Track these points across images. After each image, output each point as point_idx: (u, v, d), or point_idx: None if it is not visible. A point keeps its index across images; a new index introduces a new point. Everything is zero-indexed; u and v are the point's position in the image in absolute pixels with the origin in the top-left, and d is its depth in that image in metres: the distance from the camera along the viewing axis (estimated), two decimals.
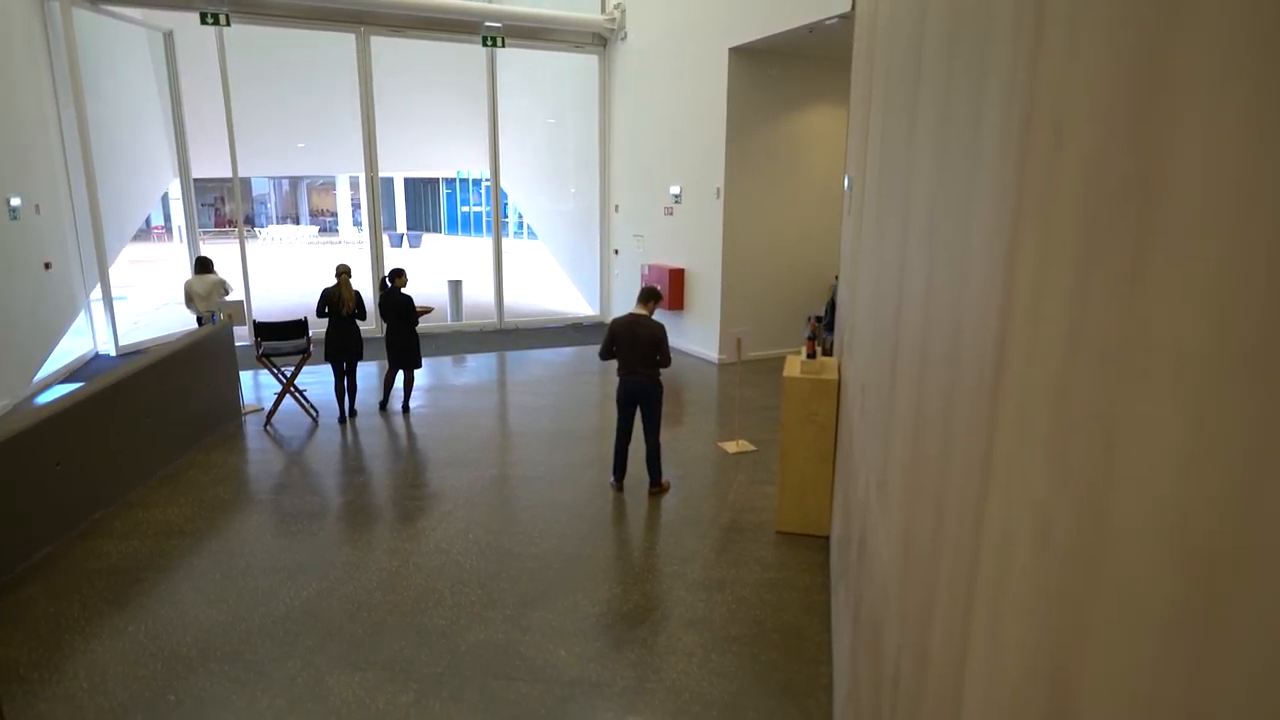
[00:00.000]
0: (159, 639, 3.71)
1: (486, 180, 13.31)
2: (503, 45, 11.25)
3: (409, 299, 7.23)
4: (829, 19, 7.32)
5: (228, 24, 9.86)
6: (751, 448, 6.48)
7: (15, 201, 7.82)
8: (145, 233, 28.29)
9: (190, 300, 7.99)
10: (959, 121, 1.19)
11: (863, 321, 3.23)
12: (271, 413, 7.24)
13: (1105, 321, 0.57)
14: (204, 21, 9.77)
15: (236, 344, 7.48)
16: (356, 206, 30.75)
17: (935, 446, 1.24)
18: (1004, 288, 0.86)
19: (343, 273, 7.12)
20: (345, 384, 7.21)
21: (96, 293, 9.77)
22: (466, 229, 32.11)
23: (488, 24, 11.05)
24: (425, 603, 4.06)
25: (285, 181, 36.21)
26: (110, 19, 9.79)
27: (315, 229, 33.28)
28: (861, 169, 3.91)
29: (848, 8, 6.88)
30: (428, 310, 7.44)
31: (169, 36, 10.57)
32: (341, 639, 3.73)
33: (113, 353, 9.74)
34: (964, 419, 1.03)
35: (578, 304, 13.50)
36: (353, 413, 7.32)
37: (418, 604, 4.05)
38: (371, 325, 9.12)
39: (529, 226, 22.29)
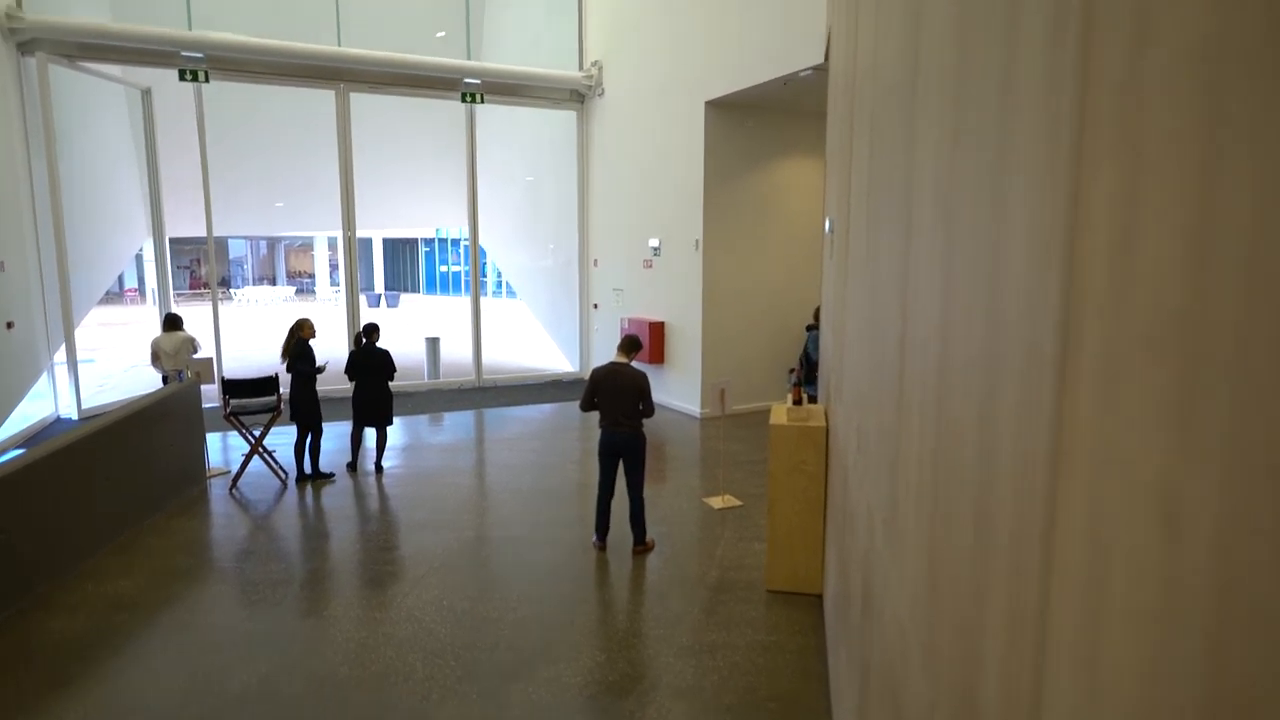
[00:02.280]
0: None
1: (465, 240, 13.29)
2: (481, 102, 11.33)
3: (385, 353, 7.03)
4: (803, 71, 7.42)
5: (206, 80, 9.85)
6: (738, 503, 6.26)
7: None
8: (117, 295, 27.95)
9: (156, 358, 7.71)
10: (978, 133, 1.06)
11: (854, 358, 3.09)
12: (238, 475, 6.93)
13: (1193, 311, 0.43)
14: (183, 78, 9.75)
15: (204, 405, 7.21)
16: (334, 267, 30.66)
17: (970, 474, 1.07)
18: (1059, 289, 0.71)
19: (299, 328, 6.92)
20: (307, 443, 6.94)
21: (61, 354, 9.47)
22: (445, 289, 32.09)
23: (467, 81, 11.14)
24: (394, 677, 3.76)
25: (263, 243, 36.13)
26: (87, 75, 9.75)
27: (292, 290, 33.06)
28: (844, 209, 3.84)
29: (821, 59, 6.97)
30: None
31: (147, 94, 10.54)
32: None
33: (75, 416, 9.38)
34: (1011, 441, 0.88)
35: (557, 360, 13.35)
36: (314, 473, 6.99)
37: (386, 679, 3.75)
38: (341, 384, 8.87)
39: (508, 284, 22.29)
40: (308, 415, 6.85)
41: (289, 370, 6.88)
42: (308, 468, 6.98)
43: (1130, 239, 0.58)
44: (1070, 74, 0.70)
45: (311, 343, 6.93)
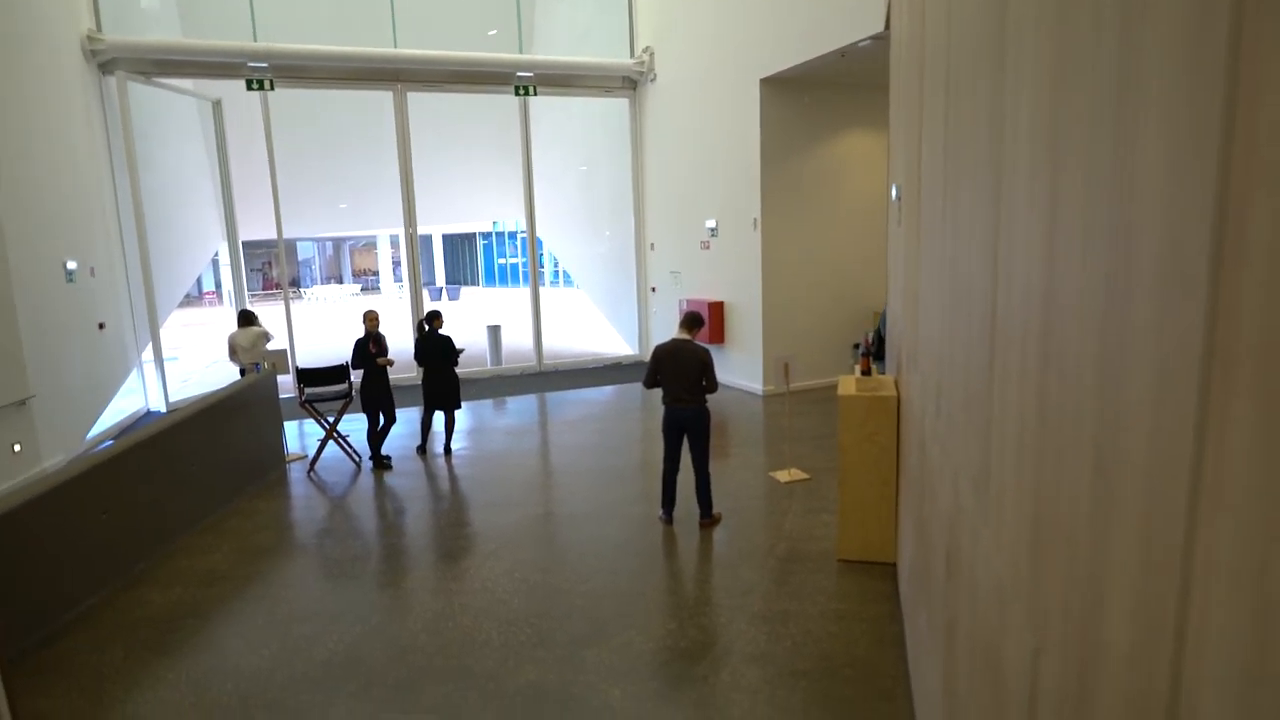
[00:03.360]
0: (200, 687, 3.55)
1: (522, 232, 13.43)
2: (535, 94, 11.43)
3: (448, 338, 7.18)
4: (862, 41, 7.25)
5: (272, 88, 10.19)
6: (804, 476, 6.19)
7: (71, 265, 8.04)
8: (196, 298, 29.27)
9: (234, 353, 8.06)
10: (1090, 62, 1.01)
11: (931, 321, 3.01)
12: (315, 459, 7.19)
13: None
14: (250, 87, 10.12)
15: (281, 395, 7.49)
16: (397, 264, 31.47)
17: (1087, 432, 1.02)
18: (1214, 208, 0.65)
19: (370, 319, 7.07)
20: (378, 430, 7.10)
21: (148, 353, 9.98)
22: (504, 281, 32.56)
23: (520, 74, 11.25)
24: (472, 644, 3.85)
25: (329, 244, 37.30)
26: (162, 90, 10.21)
27: (358, 287, 34.07)
28: (914, 174, 3.74)
29: (881, 27, 6.79)
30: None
31: (217, 105, 10.98)
32: (385, 684, 3.53)
33: (163, 409, 9.87)
34: (1141, 394, 0.82)
35: (617, 344, 13.41)
36: (384, 459, 7.15)
37: (464, 646, 3.84)
38: (412, 373, 9.09)
39: (565, 274, 22.48)
40: (378, 403, 7.03)
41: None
42: (387, 452, 7.18)
43: None
44: None
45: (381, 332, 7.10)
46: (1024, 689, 1.32)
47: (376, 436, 7.09)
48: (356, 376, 7.08)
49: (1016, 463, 1.49)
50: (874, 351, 7.32)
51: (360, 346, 6.91)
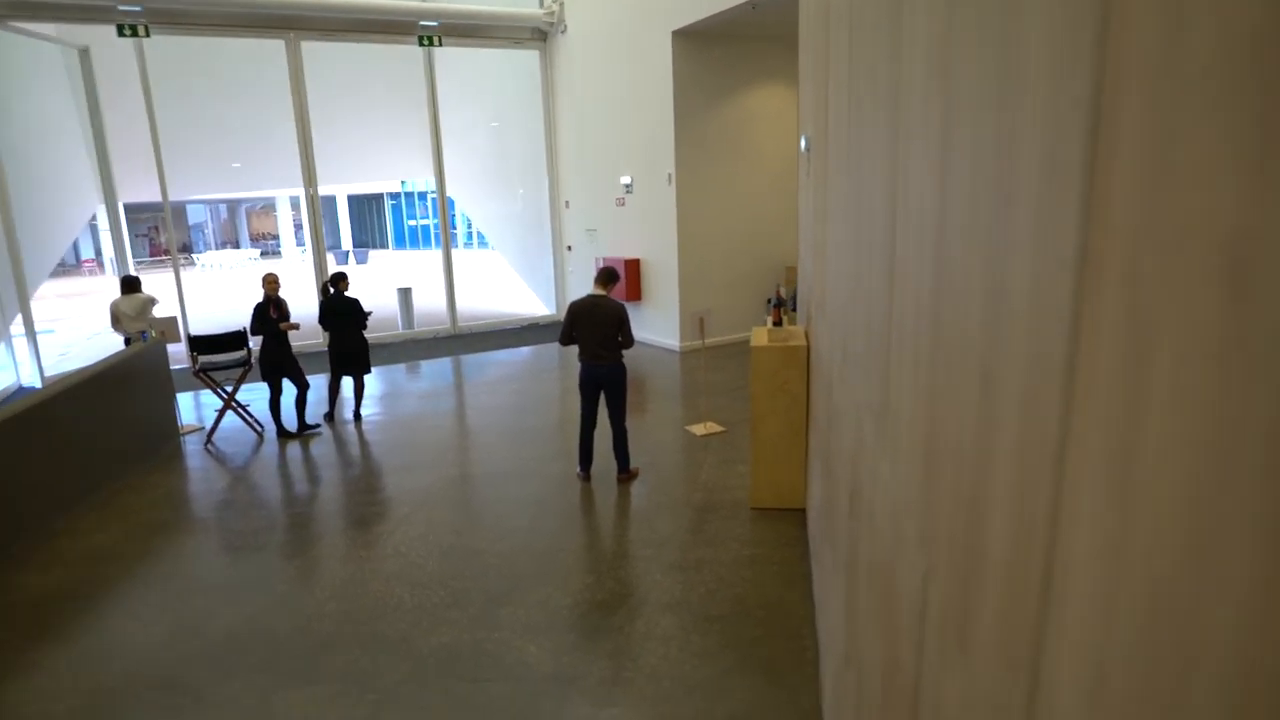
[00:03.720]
0: (82, 671, 3.33)
1: (432, 192, 12.99)
2: (440, 44, 10.94)
3: (355, 301, 6.88)
4: None
5: (147, 34, 9.38)
6: (720, 429, 6.27)
7: None
8: (75, 266, 27.18)
9: (117, 321, 7.50)
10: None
11: (837, 267, 3.04)
12: (212, 430, 6.81)
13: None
14: (121, 33, 9.29)
15: (173, 366, 7.03)
16: (299, 227, 29.93)
17: (975, 347, 1.01)
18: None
19: (269, 282, 6.65)
20: (279, 400, 6.75)
21: (18, 325, 9.19)
22: (415, 243, 31.55)
23: (423, 23, 10.73)
24: (383, 609, 3.74)
25: (223, 207, 35.17)
26: (20, 36, 9.25)
27: (257, 252, 32.32)
28: (821, 125, 3.74)
29: None
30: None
31: (85, 53, 10.05)
32: (289, 654, 3.40)
33: (38, 384, 9.15)
34: (1021, 304, 0.81)
35: (533, 305, 13.22)
36: (301, 428, 6.84)
37: (375, 611, 3.73)
38: (316, 339, 8.68)
39: (479, 235, 21.93)
40: (285, 371, 6.68)
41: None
42: (291, 424, 6.83)
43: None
44: None
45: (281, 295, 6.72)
46: (915, 609, 1.34)
47: (295, 403, 6.74)
48: (256, 343, 6.70)
49: (912, 392, 1.49)
50: (795, 306, 7.45)
51: (259, 311, 6.53)
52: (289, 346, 6.70)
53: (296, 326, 6.71)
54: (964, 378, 1.08)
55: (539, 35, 11.53)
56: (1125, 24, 0.56)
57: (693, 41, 8.91)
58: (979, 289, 1.00)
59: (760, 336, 4.75)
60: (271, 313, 6.53)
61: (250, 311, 6.56)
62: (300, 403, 6.78)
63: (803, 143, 5.42)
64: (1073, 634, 0.67)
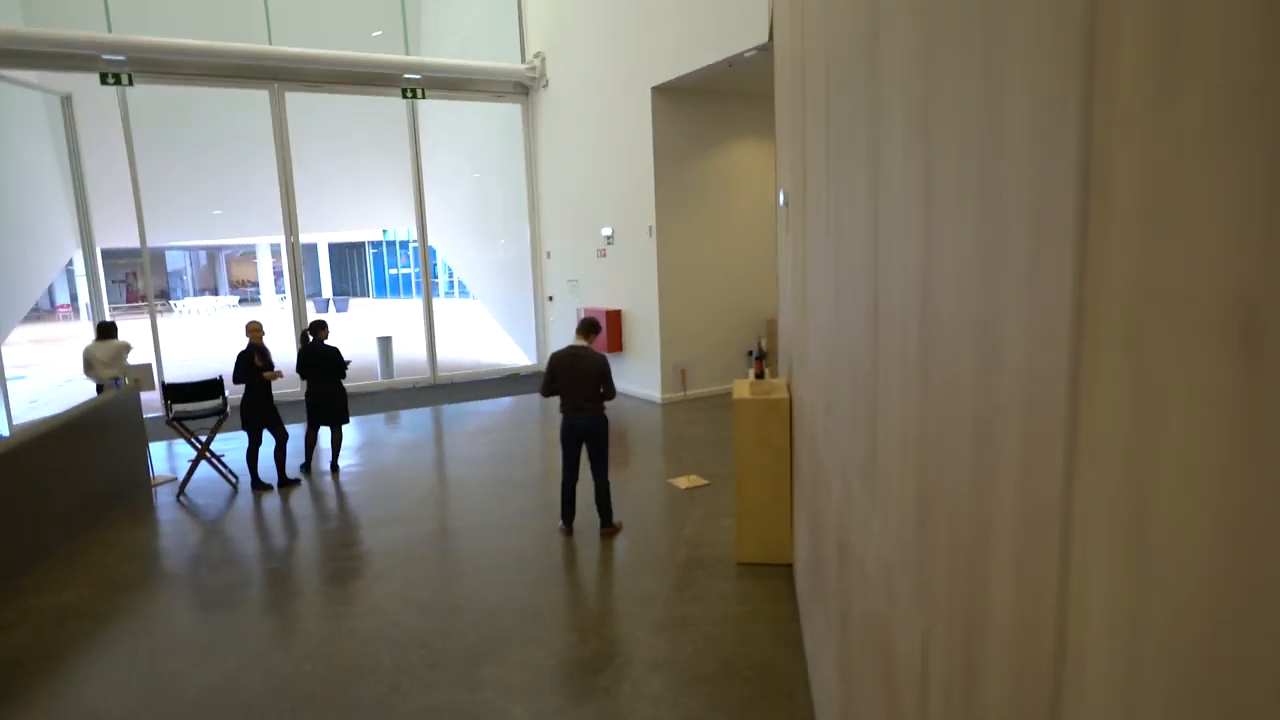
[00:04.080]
0: None
1: (414, 241, 13.07)
2: (423, 97, 11.12)
3: (335, 349, 6.83)
4: (748, 51, 7.44)
5: (130, 83, 9.45)
6: (704, 482, 6.25)
7: None
8: (49, 312, 26.77)
9: (90, 367, 7.37)
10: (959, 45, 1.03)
11: (819, 321, 3.08)
12: (185, 481, 6.66)
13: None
14: (104, 82, 9.34)
15: (146, 415, 6.90)
16: (279, 274, 29.84)
17: (965, 399, 1.03)
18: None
19: (254, 329, 6.62)
20: (258, 452, 6.64)
21: None
22: (396, 291, 31.51)
23: (407, 76, 10.92)
24: (361, 670, 3.64)
25: (202, 254, 35.00)
26: (2, 83, 9.27)
27: (235, 299, 32.08)
28: (799, 179, 3.84)
29: (764, 38, 6.99)
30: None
31: (67, 100, 10.08)
32: (265, 719, 3.28)
33: (5, 432, 8.92)
34: (1017, 358, 0.83)
35: (514, 355, 13.20)
36: (281, 480, 6.70)
37: (352, 672, 3.62)
38: (293, 388, 8.57)
39: (460, 284, 21.95)
40: (265, 421, 6.59)
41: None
42: (269, 476, 6.69)
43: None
44: None
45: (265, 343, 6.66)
46: (915, 669, 1.34)
47: (275, 455, 6.62)
48: (235, 392, 6.60)
49: (901, 445, 1.51)
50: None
51: (244, 359, 6.45)
52: (271, 396, 6.62)
53: (280, 375, 6.65)
54: (957, 432, 1.10)
55: (521, 89, 11.77)
56: (1114, 74, 0.58)
57: (672, 97, 9.14)
58: (969, 346, 1.02)
59: (742, 389, 4.78)
60: (256, 360, 6.47)
61: (234, 359, 6.49)
62: (280, 454, 6.66)
63: (781, 197, 5.55)
64: (1094, 696, 0.67)
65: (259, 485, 6.59)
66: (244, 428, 6.52)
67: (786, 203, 4.95)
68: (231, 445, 7.66)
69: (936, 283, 1.17)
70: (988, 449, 0.95)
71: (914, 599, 1.38)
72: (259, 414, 6.51)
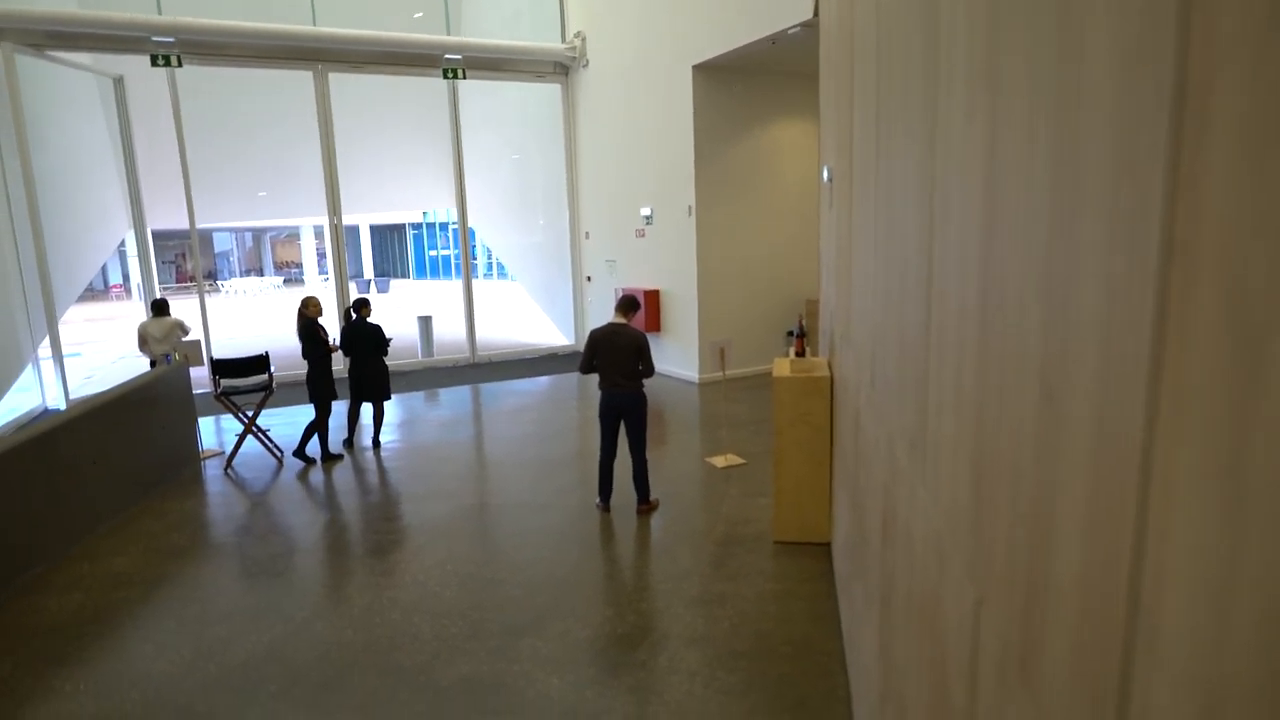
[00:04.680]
0: (100, 697, 3.30)
1: (454, 223, 13.13)
2: (464, 77, 11.14)
3: (377, 327, 6.92)
4: (791, 28, 7.29)
5: (179, 65, 9.63)
6: (741, 461, 6.20)
7: None
8: (103, 291, 27.66)
9: (144, 343, 7.59)
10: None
11: (864, 295, 3.01)
12: (232, 455, 6.83)
13: None
14: (155, 63, 9.53)
15: (195, 390, 7.08)
16: (322, 256, 30.38)
17: (1031, 360, 0.98)
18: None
19: (313, 306, 6.76)
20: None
21: (45, 348, 9.31)
22: (435, 273, 31.86)
23: (448, 56, 10.95)
24: (402, 638, 3.69)
25: (248, 235, 35.79)
26: (57, 65, 9.52)
27: (280, 279, 32.78)
28: (845, 153, 3.74)
29: (810, 14, 6.84)
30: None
31: (119, 82, 10.33)
32: (308, 683, 3.35)
33: (62, 407, 9.24)
34: (1092, 329, 0.78)
35: (553, 335, 13.25)
36: (324, 455, 6.84)
37: (394, 640, 3.68)
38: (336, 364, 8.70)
39: (499, 265, 22.11)
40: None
41: (303, 356, 6.77)
42: (313, 450, 6.83)
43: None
44: None
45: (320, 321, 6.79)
46: (966, 642, 1.29)
47: (313, 429, 6.76)
48: (281, 369, 6.74)
49: (955, 411, 1.45)
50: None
51: (311, 333, 6.60)
52: (328, 370, 6.76)
53: (338, 349, 6.80)
54: (1020, 393, 1.05)
55: (561, 69, 11.72)
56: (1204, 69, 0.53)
57: (713, 76, 9.01)
58: (1034, 303, 0.97)
59: (783, 367, 4.72)
60: (321, 334, 6.62)
61: (296, 334, 6.63)
62: (324, 429, 6.79)
63: (825, 173, 5.44)
64: (1171, 665, 0.62)
65: (328, 456, 6.76)
66: (316, 400, 6.65)
67: (831, 179, 4.85)
68: (276, 420, 7.83)
69: (999, 245, 1.12)
70: (1058, 401, 0.90)
71: (966, 569, 1.33)
72: (329, 387, 6.66)
